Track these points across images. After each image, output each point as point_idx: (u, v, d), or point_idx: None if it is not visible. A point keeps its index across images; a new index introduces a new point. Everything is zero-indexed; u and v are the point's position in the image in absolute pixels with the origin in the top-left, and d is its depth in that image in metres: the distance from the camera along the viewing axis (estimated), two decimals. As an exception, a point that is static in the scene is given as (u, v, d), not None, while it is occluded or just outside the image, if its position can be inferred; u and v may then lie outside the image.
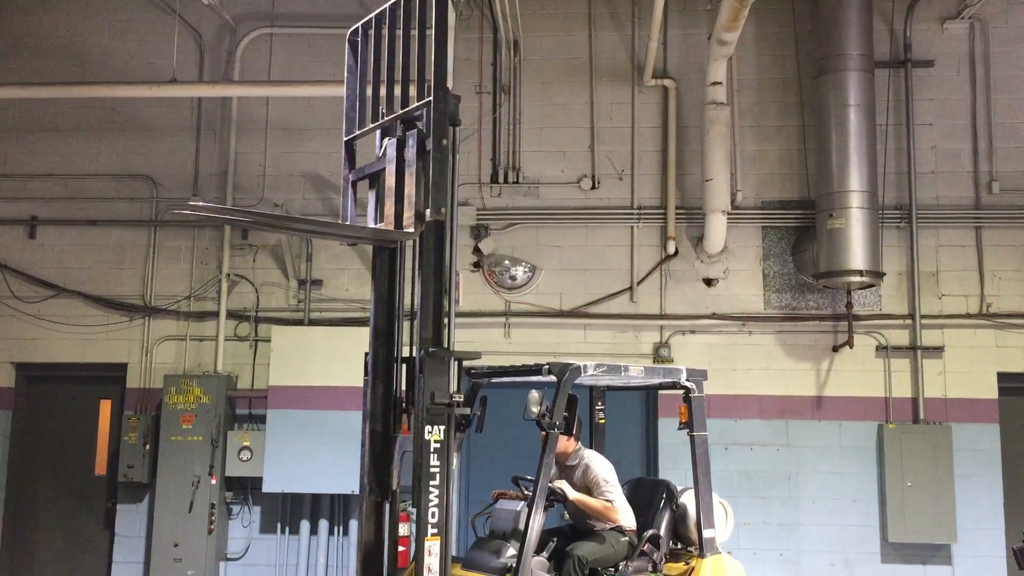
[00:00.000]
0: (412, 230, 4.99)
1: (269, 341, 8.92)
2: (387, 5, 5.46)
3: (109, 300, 9.33)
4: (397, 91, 5.31)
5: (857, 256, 8.30)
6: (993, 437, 8.63)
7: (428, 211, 4.98)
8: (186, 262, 9.40)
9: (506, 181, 9.26)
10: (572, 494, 5.75)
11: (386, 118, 5.38)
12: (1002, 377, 8.75)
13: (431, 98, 5.03)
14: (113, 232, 9.47)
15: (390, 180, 5.22)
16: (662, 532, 5.98)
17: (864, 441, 8.73)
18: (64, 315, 9.31)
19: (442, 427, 5.02)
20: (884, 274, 8.59)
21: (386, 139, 5.36)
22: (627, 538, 5.81)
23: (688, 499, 6.08)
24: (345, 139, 5.69)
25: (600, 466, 5.94)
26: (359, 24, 5.66)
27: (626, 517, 5.90)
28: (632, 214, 9.16)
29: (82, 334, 9.28)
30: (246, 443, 8.76)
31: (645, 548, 5.84)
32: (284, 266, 9.25)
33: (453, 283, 9.54)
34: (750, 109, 9.24)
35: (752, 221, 9.10)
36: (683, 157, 9.18)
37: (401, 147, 5.21)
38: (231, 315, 9.22)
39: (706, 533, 5.83)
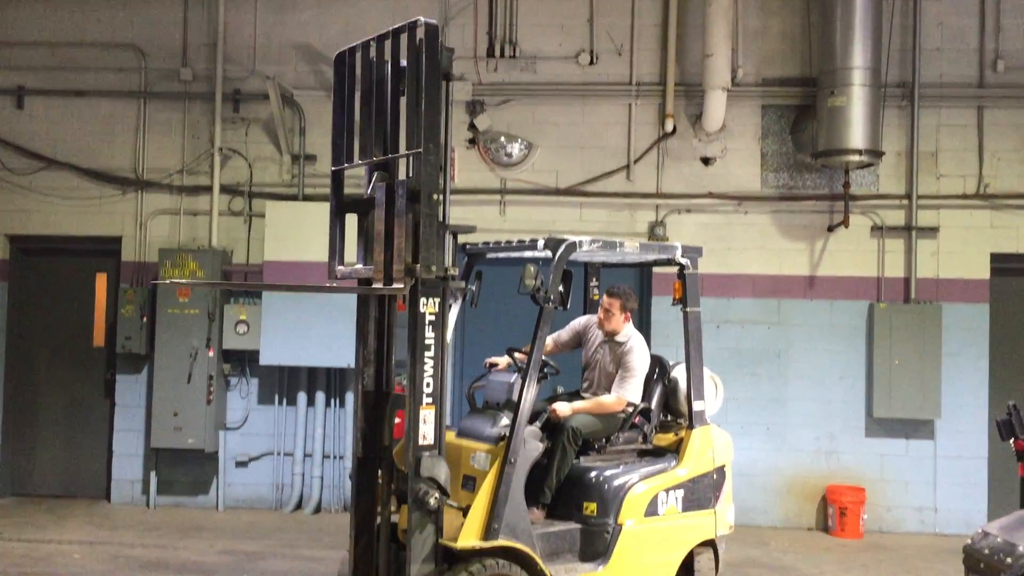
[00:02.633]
0: (402, 285, 4.95)
1: (263, 216, 8.88)
2: (374, 36, 5.24)
3: (101, 173, 9.24)
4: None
5: (857, 135, 8.23)
6: (982, 316, 8.74)
7: (419, 267, 4.93)
8: (177, 135, 9.27)
9: (503, 55, 9.06)
10: (565, 412, 5.68)
11: (375, 159, 5.26)
12: (995, 258, 8.80)
13: (420, 149, 4.90)
14: (102, 103, 9.30)
15: (379, 225, 5.11)
16: (653, 405, 6.09)
17: (854, 320, 8.84)
18: (56, 187, 9.24)
19: (437, 299, 5.07)
20: (883, 153, 8.52)
21: (376, 174, 5.23)
22: (621, 411, 5.93)
23: (679, 373, 6.18)
24: (332, 169, 5.54)
25: (638, 354, 5.95)
26: (346, 48, 5.44)
27: (634, 398, 6.00)
28: (630, 90, 9.02)
29: (75, 207, 9.23)
30: (243, 317, 8.83)
31: (636, 421, 5.96)
32: (277, 141, 9.13)
33: (448, 160, 9.45)
34: (754, -19, 8.99)
35: (752, 99, 8.97)
36: (684, 32, 8.97)
37: (391, 192, 5.09)
38: (224, 190, 9.16)
39: (696, 405, 5.94)
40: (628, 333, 6.07)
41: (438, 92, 5.00)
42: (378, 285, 5.07)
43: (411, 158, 5.03)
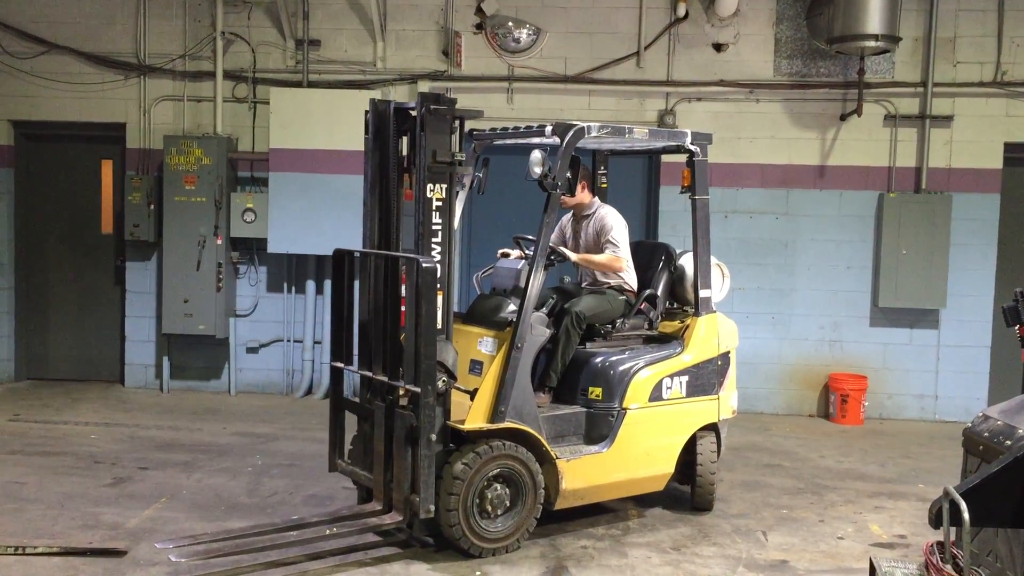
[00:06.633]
0: (402, 518, 4.95)
1: (268, 103, 8.78)
2: (371, 251, 5.27)
3: (102, 57, 9.08)
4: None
5: (874, 19, 8.01)
6: (993, 207, 8.68)
7: (418, 502, 4.85)
8: (178, 19, 9.07)
9: (511, -65, 8.79)
10: (573, 256, 5.83)
11: (373, 375, 5.23)
12: (1009, 147, 8.69)
13: (419, 390, 4.83)
14: (100, -17, 9.10)
15: (379, 446, 5.09)
16: (659, 292, 6.12)
17: (864, 210, 8.79)
18: (58, 72, 9.08)
19: (444, 185, 5.05)
20: (900, 39, 8.32)
21: (374, 384, 5.23)
22: (625, 297, 5.96)
23: (686, 261, 6.19)
24: (331, 365, 5.53)
25: (613, 220, 5.97)
26: (344, 251, 5.43)
27: (629, 275, 6.02)
28: (642, -28, 8.77)
29: (78, 92, 9.10)
30: (249, 205, 8.82)
31: (642, 307, 6.01)
32: (280, 25, 8.94)
33: (454, 46, 9.25)
34: None
35: (767, -19, 8.73)
36: (698, -90, 8.67)
37: (391, 414, 5.04)
38: (228, 76, 9.01)
39: (702, 293, 5.97)
40: (594, 206, 6.08)
41: (435, 332, 4.92)
42: (377, 507, 5.15)
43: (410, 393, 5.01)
